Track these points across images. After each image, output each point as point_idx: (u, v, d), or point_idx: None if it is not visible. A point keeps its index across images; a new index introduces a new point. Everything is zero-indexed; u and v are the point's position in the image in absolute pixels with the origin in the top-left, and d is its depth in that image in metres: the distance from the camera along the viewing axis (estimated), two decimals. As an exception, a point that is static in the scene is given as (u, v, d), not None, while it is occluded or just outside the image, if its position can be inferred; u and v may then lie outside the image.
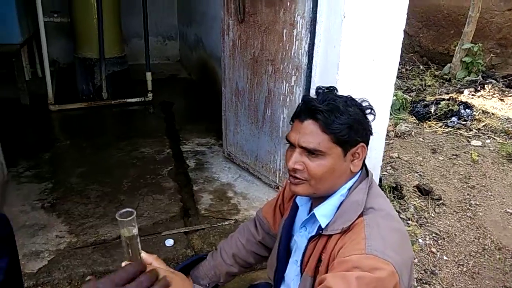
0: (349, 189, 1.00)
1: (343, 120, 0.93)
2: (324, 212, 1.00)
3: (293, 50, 1.88)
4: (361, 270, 0.83)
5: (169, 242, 1.85)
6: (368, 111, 1.02)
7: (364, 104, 1.02)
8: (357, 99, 1.02)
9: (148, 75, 3.81)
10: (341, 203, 0.99)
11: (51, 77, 3.46)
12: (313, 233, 1.02)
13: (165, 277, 0.68)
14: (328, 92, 1.03)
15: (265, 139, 2.29)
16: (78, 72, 3.75)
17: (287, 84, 1.99)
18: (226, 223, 2.07)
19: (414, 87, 4.84)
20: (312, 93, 1.82)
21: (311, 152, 0.95)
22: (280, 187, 2.28)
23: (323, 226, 0.98)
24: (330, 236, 0.97)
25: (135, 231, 0.77)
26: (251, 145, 2.44)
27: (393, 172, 2.86)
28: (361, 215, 0.95)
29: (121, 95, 3.79)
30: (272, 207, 1.30)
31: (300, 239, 1.10)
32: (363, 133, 0.98)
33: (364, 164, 1.05)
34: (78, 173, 2.49)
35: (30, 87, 3.71)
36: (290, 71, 1.94)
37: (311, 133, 0.94)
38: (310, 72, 1.82)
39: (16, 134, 2.98)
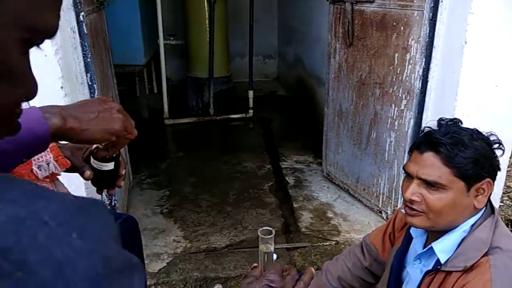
0: (472, 225, 0.97)
1: (467, 154, 0.91)
2: (443, 248, 0.98)
3: (404, 74, 1.86)
4: None
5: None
6: (496, 145, 0.99)
7: (492, 138, 0.99)
8: (484, 133, 0.99)
9: (250, 93, 4.04)
10: (463, 239, 0.96)
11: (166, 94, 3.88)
12: (430, 267, 1.01)
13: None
14: (452, 125, 1.01)
15: (368, 161, 2.28)
16: (190, 90, 4.13)
17: (396, 108, 1.96)
18: (327, 243, 2.10)
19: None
20: (425, 117, 1.78)
21: (430, 185, 0.94)
22: (382, 211, 2.24)
23: (442, 262, 0.97)
24: (448, 272, 0.95)
25: (272, 248, 0.86)
26: (352, 166, 2.44)
27: (510, 203, 2.60)
28: (485, 254, 0.92)
29: (225, 111, 4.07)
30: (381, 234, 1.29)
31: (413, 272, 1.08)
32: (489, 168, 0.94)
33: (489, 200, 1.01)
34: (190, 182, 2.74)
35: (148, 102, 4.19)
36: (400, 95, 1.91)
37: (431, 166, 0.93)
38: (424, 96, 1.77)
39: (138, 144, 3.39)
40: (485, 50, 1.53)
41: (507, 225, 2.31)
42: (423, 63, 1.73)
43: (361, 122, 2.25)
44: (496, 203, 1.99)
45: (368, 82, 2.12)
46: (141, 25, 3.71)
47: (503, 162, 1.86)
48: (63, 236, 0.29)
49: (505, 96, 1.63)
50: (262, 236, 0.85)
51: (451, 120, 1.04)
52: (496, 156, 0.97)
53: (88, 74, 1.61)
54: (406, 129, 1.92)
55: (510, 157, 3.18)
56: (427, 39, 1.69)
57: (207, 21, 3.81)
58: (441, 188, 0.93)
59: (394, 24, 1.85)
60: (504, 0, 1.47)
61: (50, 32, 0.36)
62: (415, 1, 1.73)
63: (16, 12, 0.32)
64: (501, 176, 1.88)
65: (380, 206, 2.23)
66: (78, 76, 1.57)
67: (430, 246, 1.02)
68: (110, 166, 0.83)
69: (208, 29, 3.80)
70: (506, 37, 1.53)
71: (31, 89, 0.38)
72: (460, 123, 1.03)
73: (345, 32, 2.17)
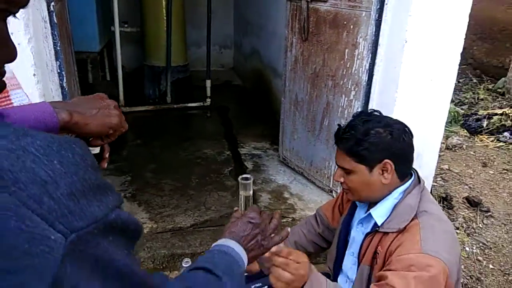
0: (403, 193, 1.19)
1: (361, 145, 1.14)
2: (379, 213, 1.20)
3: (353, 68, 2.07)
4: (417, 268, 1.02)
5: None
6: (396, 132, 1.16)
7: (396, 126, 1.17)
8: (391, 122, 1.18)
9: (208, 82, 4.13)
10: (395, 205, 1.18)
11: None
12: (369, 230, 1.23)
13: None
14: (356, 118, 1.21)
15: (321, 146, 2.49)
16: (146, 78, 4.14)
17: (346, 98, 2.18)
18: (284, 220, 2.30)
19: (466, 100, 4.83)
20: (370, 106, 2.01)
21: (344, 170, 1.20)
22: (333, 191, 2.48)
23: (379, 224, 1.18)
24: (385, 233, 1.17)
25: (251, 192, 1.01)
26: (306, 151, 2.65)
27: (443, 183, 2.96)
28: (415, 217, 1.14)
29: (183, 100, 4.13)
30: (331, 206, 1.53)
31: (357, 234, 1.31)
32: (386, 152, 1.15)
33: (416, 172, 1.23)
34: (151, 168, 2.81)
35: (101, 90, 4.13)
36: (349, 87, 2.13)
37: (340, 156, 1.20)
38: (370, 88, 2.00)
39: (95, 132, 3.37)
40: (422, 49, 1.78)
41: (439, 201, 2.65)
42: (370, 58, 1.95)
43: (315, 111, 2.46)
44: (430, 183, 2.30)
45: (322, 74, 2.32)
46: (96, 12, 3.64)
47: (435, 146, 2.15)
48: (47, 162, 0.37)
49: (438, 89, 1.90)
50: (242, 182, 0.99)
51: (359, 114, 1.24)
52: (397, 140, 1.15)
53: (58, 62, 1.65)
54: (354, 117, 2.15)
55: (443, 142, 3.58)
56: (373, 37, 1.91)
57: (164, 10, 3.83)
58: (351, 172, 1.18)
59: (345, 22, 2.06)
60: (439, 5, 1.72)
61: (24, 2, 0.44)
62: (363, 2, 1.94)
63: None
64: (433, 159, 2.17)
65: (331, 186, 2.47)
66: (48, 63, 1.61)
67: (369, 212, 1.24)
68: (96, 150, 0.95)
69: (165, 17, 3.82)
70: (440, 37, 1.78)
71: (12, 52, 0.46)
72: (376, 113, 1.22)
73: (301, 28, 2.35)
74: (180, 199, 2.43)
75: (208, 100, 4.19)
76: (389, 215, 1.18)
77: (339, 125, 1.25)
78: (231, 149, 3.23)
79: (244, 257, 0.81)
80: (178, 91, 4.16)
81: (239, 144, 3.34)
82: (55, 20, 1.57)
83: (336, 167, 1.25)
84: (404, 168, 1.20)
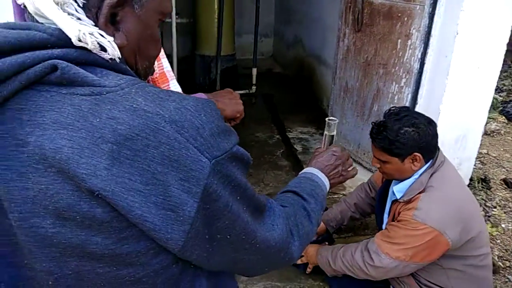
0: (421, 174, 1.48)
1: (392, 143, 1.41)
2: (399, 189, 1.51)
3: (405, 57, 2.27)
4: (406, 226, 1.40)
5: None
6: (422, 129, 1.42)
7: (421, 123, 1.43)
8: (418, 121, 1.43)
9: (254, 71, 4.38)
10: (413, 182, 1.48)
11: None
12: (393, 199, 1.56)
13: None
14: (388, 118, 1.47)
15: (369, 130, 2.70)
16: (197, 67, 4.43)
17: (396, 85, 2.39)
18: (335, 196, 2.55)
19: (504, 87, 4.88)
20: (420, 93, 2.21)
21: (380, 160, 1.49)
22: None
23: (398, 197, 1.50)
24: (400, 203, 1.49)
25: (334, 132, 1.14)
26: (354, 135, 2.88)
27: (481, 166, 3.12)
28: (422, 191, 1.44)
29: (230, 87, 4.39)
30: (380, 176, 1.83)
31: (388, 201, 1.65)
32: (415, 147, 1.42)
33: (436, 157, 1.49)
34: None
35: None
36: (401, 74, 2.34)
37: (376, 151, 1.50)
38: (420, 76, 2.20)
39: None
40: (471, 40, 1.96)
41: (478, 182, 2.83)
42: (422, 48, 2.15)
43: (365, 97, 2.67)
44: (471, 164, 2.48)
45: (373, 63, 2.53)
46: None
47: (478, 130, 2.34)
48: (197, 115, 0.53)
49: (484, 77, 2.09)
50: (329, 121, 1.12)
51: (390, 114, 1.49)
52: (424, 136, 1.42)
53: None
54: (404, 102, 2.36)
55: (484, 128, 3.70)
56: (426, 29, 2.10)
57: (216, 0, 4.08)
58: (386, 162, 1.47)
59: (399, 15, 2.25)
60: (490, 2, 1.90)
61: (170, 13, 0.67)
62: (417, -3, 2.13)
63: (157, 4, 0.60)
64: (476, 142, 2.36)
65: (378, 166, 2.69)
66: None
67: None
68: None
69: (217, 8, 4.08)
70: (489, 29, 1.97)
71: (160, 48, 0.69)
72: (399, 114, 1.46)
73: (355, 19, 2.56)
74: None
75: (254, 87, 4.43)
76: (406, 190, 1.48)
77: (373, 123, 1.51)
78: (280, 133, 3.49)
79: (327, 183, 0.93)
80: (226, 79, 4.43)
81: (287, 128, 3.59)
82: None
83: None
84: (430, 154, 1.48)
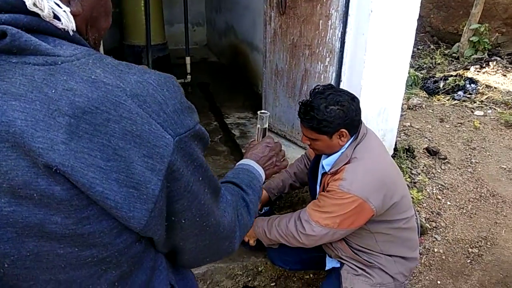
0: (349, 144, 1.58)
1: (322, 123, 1.48)
2: (328, 162, 1.62)
3: (327, 37, 2.37)
4: (333, 196, 1.49)
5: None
6: (346, 105, 1.50)
7: (344, 100, 1.51)
8: (341, 98, 1.51)
9: (187, 59, 4.31)
10: (340, 155, 1.59)
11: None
12: (323, 171, 1.66)
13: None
14: (314, 97, 1.55)
15: (301, 110, 2.80)
16: (127, 57, 4.26)
17: (321, 65, 2.49)
18: (275, 174, 2.62)
19: (425, 65, 5.28)
20: (343, 70, 2.32)
21: (309, 137, 1.57)
22: (314, 149, 2.82)
23: (326, 170, 1.60)
24: (330, 173, 1.59)
25: (266, 125, 1.19)
26: (288, 116, 2.96)
27: (406, 137, 3.37)
28: (348, 162, 1.55)
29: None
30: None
31: (319, 174, 1.75)
32: (341, 124, 1.50)
33: (357, 131, 1.59)
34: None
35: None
36: (324, 54, 2.43)
37: (305, 130, 1.56)
38: (342, 54, 2.31)
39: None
40: (385, 17, 2.09)
41: (403, 152, 3.06)
42: (341, 27, 2.25)
43: (295, 78, 2.75)
44: (394, 134, 2.67)
45: (299, 44, 2.61)
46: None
47: (398, 102, 2.51)
48: (160, 90, 0.52)
49: (399, 51, 2.24)
50: (261, 115, 1.17)
51: (315, 93, 1.56)
52: (348, 113, 1.49)
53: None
54: (330, 81, 2.46)
55: (404, 103, 3.98)
56: (344, 9, 2.20)
57: (142, -12, 3.95)
58: (315, 140, 1.55)
59: (319, -4, 2.34)
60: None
61: None
62: (334, -22, 2.22)
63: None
64: (396, 113, 2.53)
65: (312, 144, 2.80)
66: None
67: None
68: None
69: (143, -3, 3.95)
70: (400, 6, 2.10)
71: (110, 21, 0.68)
72: (324, 93, 1.53)
73: (279, 2, 2.61)
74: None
75: (189, 76, 4.38)
76: (334, 162, 1.58)
77: (300, 103, 1.58)
78: (218, 120, 3.49)
79: (263, 174, 0.97)
80: (159, 69, 4.30)
81: (224, 115, 3.60)
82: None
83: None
84: (355, 128, 1.57)
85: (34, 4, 0.49)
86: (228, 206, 0.69)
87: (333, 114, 1.46)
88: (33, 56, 0.48)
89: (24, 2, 0.48)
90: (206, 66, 5.21)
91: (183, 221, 0.58)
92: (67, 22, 0.52)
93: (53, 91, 0.46)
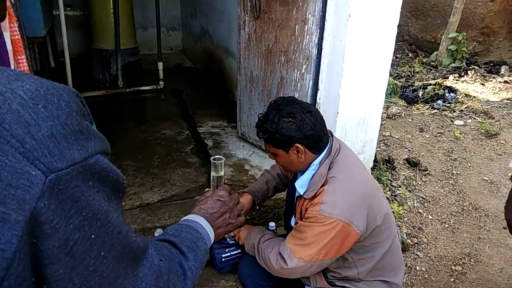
0: (319, 163, 1.44)
1: (272, 136, 1.39)
2: (300, 184, 1.47)
3: (304, 43, 2.23)
4: (315, 222, 1.34)
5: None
6: (299, 119, 1.38)
7: (298, 113, 1.39)
8: (295, 110, 1.39)
9: (160, 65, 4.12)
10: (313, 175, 1.44)
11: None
12: (298, 195, 1.51)
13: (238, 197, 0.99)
14: (271, 108, 1.44)
15: (277, 119, 2.64)
16: (95, 62, 4.03)
17: (298, 72, 2.34)
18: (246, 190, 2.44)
19: (403, 74, 5.23)
20: (321, 78, 2.18)
21: (270, 152, 1.47)
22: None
23: (301, 193, 1.45)
24: (306, 199, 1.44)
25: (222, 173, 1.10)
26: (263, 126, 2.80)
27: (386, 148, 3.26)
28: (325, 183, 1.40)
29: (135, 84, 4.09)
30: None
31: (295, 195, 1.59)
32: (295, 137, 1.39)
33: (331, 141, 1.46)
34: (111, 152, 2.81)
35: (45, 77, 3.98)
36: (301, 61, 2.29)
37: (265, 143, 1.46)
38: (319, 61, 2.17)
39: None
40: (364, 23, 1.96)
41: (382, 164, 2.94)
42: (318, 33, 2.11)
43: (270, 86, 2.60)
44: (374, 145, 2.54)
45: (275, 50, 2.46)
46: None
47: (378, 112, 2.38)
48: (32, 105, 0.39)
49: (379, 59, 2.11)
50: (214, 162, 1.09)
51: (273, 105, 1.45)
52: (301, 126, 1.38)
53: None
54: (307, 89, 2.32)
55: (384, 112, 3.89)
56: (321, 13, 2.06)
57: (110, -9, 3.74)
58: (274, 154, 1.45)
59: (294, 0, 2.19)
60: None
61: None
62: (310, -20, 2.08)
63: None
64: (376, 123, 2.40)
65: (288, 156, 2.64)
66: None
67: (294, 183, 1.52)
68: None
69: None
70: (379, 12, 1.98)
71: (4, 11, 0.55)
72: (280, 105, 1.42)
73: (253, 6, 2.45)
74: (145, 178, 2.48)
75: (161, 83, 4.18)
76: (308, 184, 1.43)
77: (258, 115, 1.48)
78: (190, 129, 3.30)
79: (211, 234, 0.82)
80: (129, 75, 4.10)
81: (197, 124, 3.41)
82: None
83: None
84: (316, 144, 1.43)
85: None
86: (151, 274, 0.52)
87: (285, 126, 1.37)
88: None
89: None
90: (180, 72, 5.01)
91: None
92: None
93: None
